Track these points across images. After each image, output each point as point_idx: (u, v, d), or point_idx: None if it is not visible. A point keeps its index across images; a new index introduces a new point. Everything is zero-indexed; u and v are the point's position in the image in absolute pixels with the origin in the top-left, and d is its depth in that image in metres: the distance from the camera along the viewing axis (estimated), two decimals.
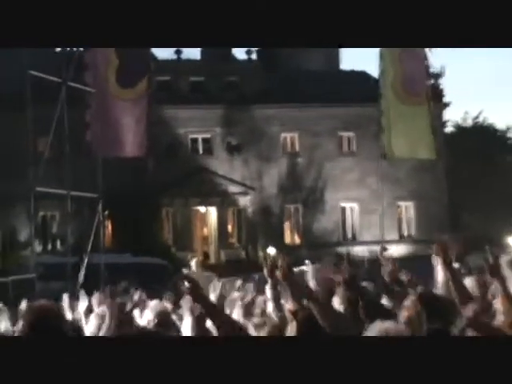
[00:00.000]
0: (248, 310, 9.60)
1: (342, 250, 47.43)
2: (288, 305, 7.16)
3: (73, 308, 11.71)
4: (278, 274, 7.43)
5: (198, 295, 6.53)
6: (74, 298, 15.08)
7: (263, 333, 7.32)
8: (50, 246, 44.05)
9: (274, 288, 7.65)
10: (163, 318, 8.94)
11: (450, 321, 6.06)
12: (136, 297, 12.50)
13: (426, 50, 28.14)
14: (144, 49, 24.80)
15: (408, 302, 6.62)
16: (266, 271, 7.70)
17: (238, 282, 13.57)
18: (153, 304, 10.57)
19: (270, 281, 7.97)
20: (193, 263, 12.74)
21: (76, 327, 8.96)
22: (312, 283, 9.68)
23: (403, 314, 6.43)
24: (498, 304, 7.09)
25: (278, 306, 7.77)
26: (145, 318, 9.76)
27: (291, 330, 6.32)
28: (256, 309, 10.47)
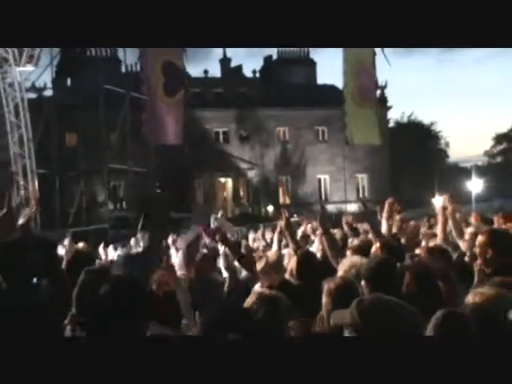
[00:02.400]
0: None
1: (318, 207, 47.43)
2: (290, 245, 7.10)
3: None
4: (281, 223, 7.37)
5: (226, 241, 6.76)
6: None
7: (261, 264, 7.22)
8: (118, 206, 43.92)
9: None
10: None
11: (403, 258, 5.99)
12: (170, 239, 12.44)
13: (375, 68, 28.15)
14: (182, 68, 24.74)
15: (373, 248, 6.50)
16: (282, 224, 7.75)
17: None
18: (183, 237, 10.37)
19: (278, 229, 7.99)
20: (219, 214, 12.77)
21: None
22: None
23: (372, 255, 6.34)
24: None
25: (280, 245, 7.68)
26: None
27: (293, 262, 6.20)
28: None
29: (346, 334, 2.82)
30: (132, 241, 13.53)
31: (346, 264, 5.68)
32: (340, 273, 5.49)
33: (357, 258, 6.09)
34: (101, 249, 13.59)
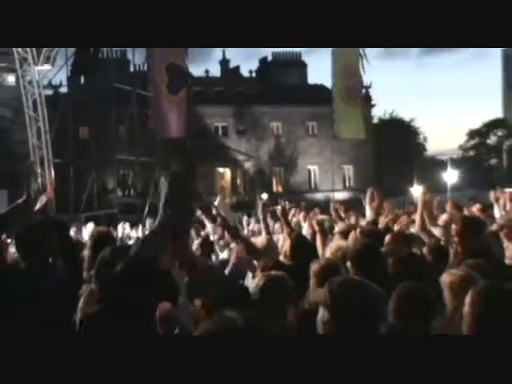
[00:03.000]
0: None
1: (308, 196, 47.40)
2: (285, 229, 7.08)
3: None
4: (278, 209, 7.33)
5: (227, 225, 6.70)
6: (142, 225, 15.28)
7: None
8: (126, 192, 43.75)
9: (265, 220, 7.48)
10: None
11: (382, 240, 5.99)
12: None
13: (361, 70, 28.05)
14: (185, 69, 24.64)
15: (352, 234, 6.50)
16: (260, 212, 7.67)
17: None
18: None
19: (261, 216, 7.80)
20: (218, 199, 12.77)
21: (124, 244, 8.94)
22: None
23: (352, 240, 6.31)
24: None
25: (268, 230, 7.59)
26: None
27: (286, 245, 6.18)
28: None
29: (320, 312, 2.86)
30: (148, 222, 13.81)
31: (333, 247, 5.71)
32: (327, 255, 5.50)
33: (342, 242, 6.11)
34: (119, 227, 14.04)
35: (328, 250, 5.69)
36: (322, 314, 2.84)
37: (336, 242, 6.18)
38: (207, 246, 8.50)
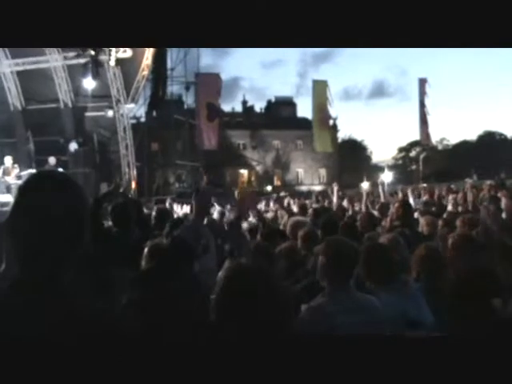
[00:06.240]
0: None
1: (296, 188, 47.28)
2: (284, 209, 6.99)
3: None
4: (282, 195, 7.30)
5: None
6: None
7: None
8: (181, 185, 43.67)
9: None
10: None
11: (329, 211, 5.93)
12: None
13: (329, 107, 27.91)
14: (218, 106, 24.56)
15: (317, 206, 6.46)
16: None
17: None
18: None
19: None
20: (236, 193, 12.57)
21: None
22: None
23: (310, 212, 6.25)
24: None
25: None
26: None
27: (285, 218, 6.12)
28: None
29: (320, 258, 2.84)
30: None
31: (293, 220, 5.70)
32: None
33: (302, 217, 6.03)
34: (175, 206, 13.73)
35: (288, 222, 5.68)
36: (320, 259, 2.83)
37: (295, 218, 6.18)
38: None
